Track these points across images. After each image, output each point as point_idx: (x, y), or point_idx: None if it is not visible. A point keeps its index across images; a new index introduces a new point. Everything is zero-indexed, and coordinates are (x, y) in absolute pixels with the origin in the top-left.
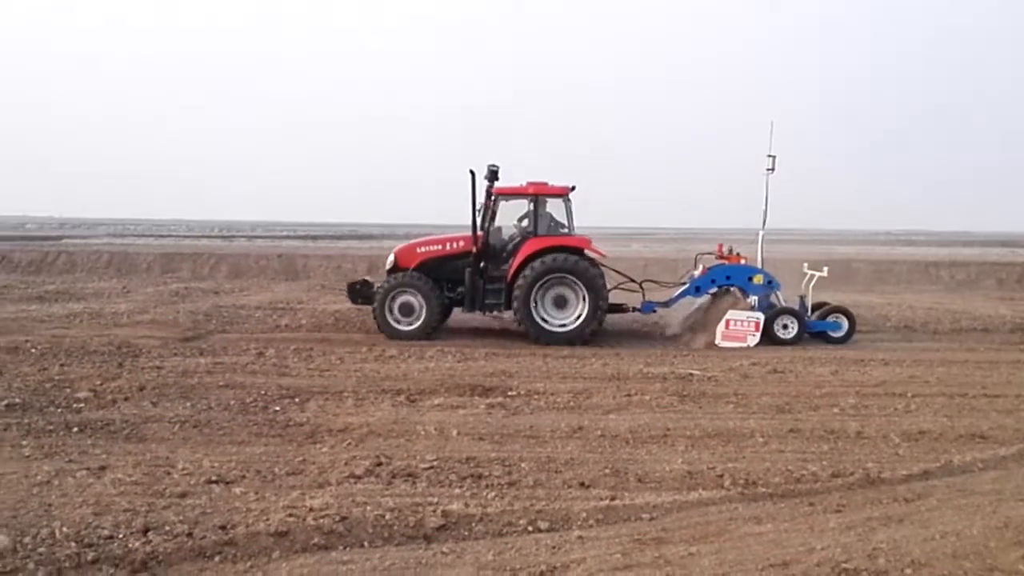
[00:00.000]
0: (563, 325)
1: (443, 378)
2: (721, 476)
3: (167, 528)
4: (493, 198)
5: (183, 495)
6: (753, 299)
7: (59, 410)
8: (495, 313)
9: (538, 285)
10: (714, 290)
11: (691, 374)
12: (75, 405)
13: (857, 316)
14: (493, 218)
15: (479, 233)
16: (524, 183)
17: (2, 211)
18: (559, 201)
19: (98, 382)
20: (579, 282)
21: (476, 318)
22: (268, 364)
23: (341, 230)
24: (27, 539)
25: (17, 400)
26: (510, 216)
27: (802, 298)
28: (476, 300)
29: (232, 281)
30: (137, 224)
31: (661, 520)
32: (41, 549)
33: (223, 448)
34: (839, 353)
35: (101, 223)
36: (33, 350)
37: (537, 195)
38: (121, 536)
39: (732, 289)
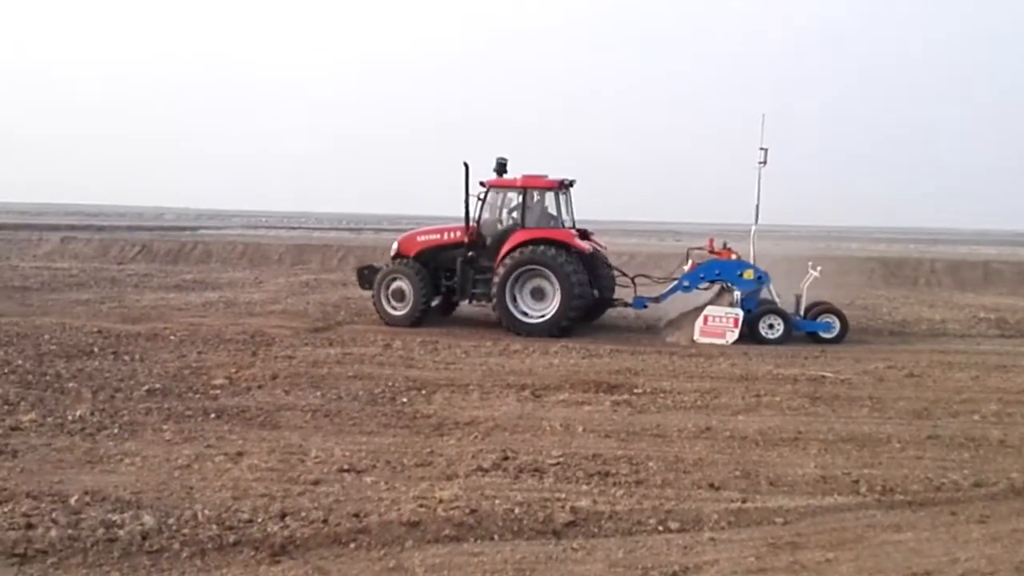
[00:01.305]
0: (540, 317)
1: (568, 374)
2: (857, 482)
3: (303, 514)
4: (485, 190)
5: (317, 482)
6: (736, 294)
7: (197, 396)
8: (482, 303)
9: (513, 276)
10: (705, 286)
11: (823, 376)
12: (212, 391)
13: (976, 319)
14: (496, 211)
15: (471, 225)
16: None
17: (142, 202)
18: (553, 194)
19: (233, 370)
20: (552, 274)
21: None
22: (395, 356)
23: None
24: (171, 520)
25: (158, 386)
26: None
27: (797, 297)
28: (466, 290)
29: None
30: (269, 216)
31: (795, 525)
32: (185, 530)
33: (353, 437)
34: (979, 358)
35: (235, 215)
36: (172, 337)
37: (526, 187)
38: (260, 520)
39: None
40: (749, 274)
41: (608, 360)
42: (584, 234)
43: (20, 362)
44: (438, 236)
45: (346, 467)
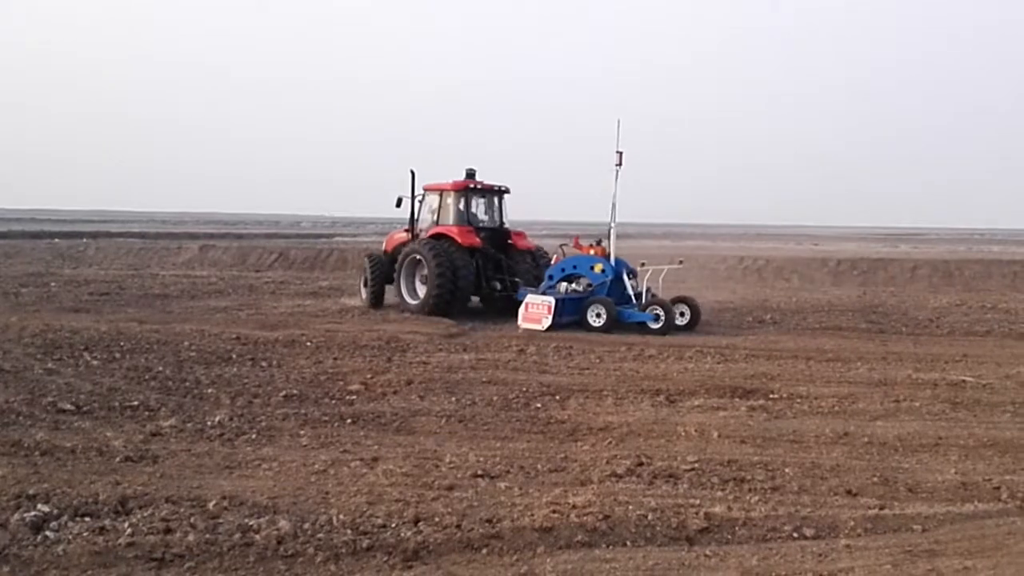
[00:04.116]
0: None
1: (703, 379)
2: (998, 488)
3: (436, 519)
4: (423, 194)
5: (451, 488)
6: (564, 285)
7: (333, 402)
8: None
9: (405, 265)
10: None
11: (964, 381)
12: (348, 397)
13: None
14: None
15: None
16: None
17: (280, 211)
18: (461, 196)
19: (369, 376)
20: (424, 264)
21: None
22: (529, 361)
23: (601, 228)
24: (307, 525)
25: (295, 391)
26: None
27: (646, 291)
28: None
29: None
30: (403, 223)
31: (934, 532)
32: (320, 535)
33: (487, 443)
34: None
35: (370, 222)
36: (308, 343)
37: (440, 191)
38: (394, 525)
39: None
40: (599, 268)
41: (744, 365)
42: (504, 233)
43: (161, 368)
44: (405, 235)
45: (480, 472)
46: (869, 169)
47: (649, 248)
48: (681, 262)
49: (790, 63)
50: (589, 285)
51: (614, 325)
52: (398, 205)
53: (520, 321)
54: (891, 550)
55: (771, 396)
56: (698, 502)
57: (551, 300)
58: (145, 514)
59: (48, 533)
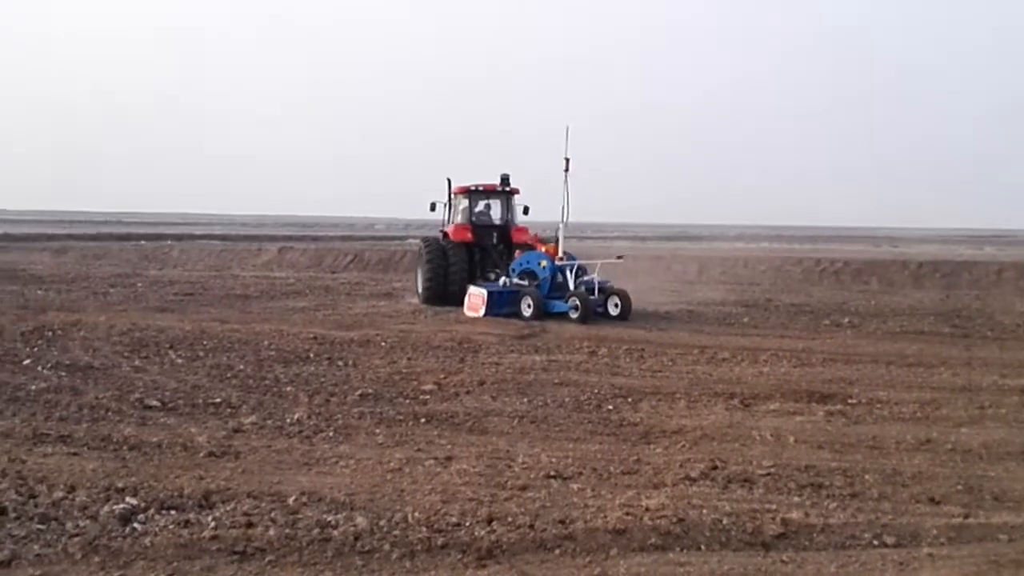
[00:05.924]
0: None
1: (778, 383)
2: None
3: (510, 519)
4: (454, 195)
5: (523, 488)
6: (505, 279)
7: (407, 401)
8: None
9: (417, 261)
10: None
11: None
12: (421, 397)
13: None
14: (463, 212)
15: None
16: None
17: (354, 213)
18: (466, 197)
19: (442, 376)
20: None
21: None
22: (600, 363)
23: (674, 231)
24: (383, 522)
25: (370, 391)
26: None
27: (581, 282)
28: None
29: None
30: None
31: (1021, 542)
32: (395, 532)
33: (559, 444)
34: None
35: (439, 224)
36: (383, 344)
37: (456, 194)
38: (468, 524)
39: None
40: (543, 264)
41: (821, 369)
42: (505, 231)
43: (242, 367)
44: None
45: (552, 473)
46: (951, 169)
47: (723, 250)
48: (620, 257)
49: (865, 63)
50: (536, 279)
51: (543, 315)
52: (432, 209)
53: (465, 309)
54: (976, 560)
55: (850, 401)
56: (774, 507)
57: (485, 292)
58: (228, 508)
59: (136, 525)
